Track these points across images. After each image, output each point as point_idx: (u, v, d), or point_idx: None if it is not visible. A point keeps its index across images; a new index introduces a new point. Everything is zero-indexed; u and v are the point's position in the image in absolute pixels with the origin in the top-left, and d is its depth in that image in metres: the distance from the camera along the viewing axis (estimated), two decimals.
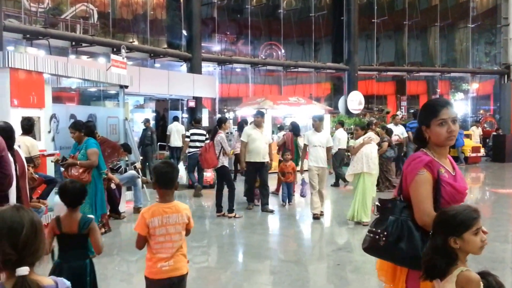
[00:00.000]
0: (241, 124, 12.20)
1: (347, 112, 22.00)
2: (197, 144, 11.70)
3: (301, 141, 10.23)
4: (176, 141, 14.41)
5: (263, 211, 9.50)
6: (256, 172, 9.67)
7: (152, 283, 3.50)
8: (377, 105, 27.40)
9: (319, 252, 7.15)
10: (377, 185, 11.77)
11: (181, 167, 11.92)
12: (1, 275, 1.89)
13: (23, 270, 1.79)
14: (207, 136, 11.67)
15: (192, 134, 12.03)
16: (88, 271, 3.68)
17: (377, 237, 2.70)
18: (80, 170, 6.79)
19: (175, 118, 13.15)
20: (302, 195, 10.10)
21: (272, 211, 9.51)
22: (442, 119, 2.69)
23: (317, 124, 9.19)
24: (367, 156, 8.39)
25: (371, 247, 2.76)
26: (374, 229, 2.75)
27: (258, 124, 9.73)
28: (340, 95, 25.12)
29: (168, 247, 3.45)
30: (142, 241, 3.51)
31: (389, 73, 28.36)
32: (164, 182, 3.51)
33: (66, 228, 3.71)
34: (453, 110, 2.74)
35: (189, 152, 11.89)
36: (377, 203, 2.86)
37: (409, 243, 2.60)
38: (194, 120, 13.18)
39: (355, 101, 22.25)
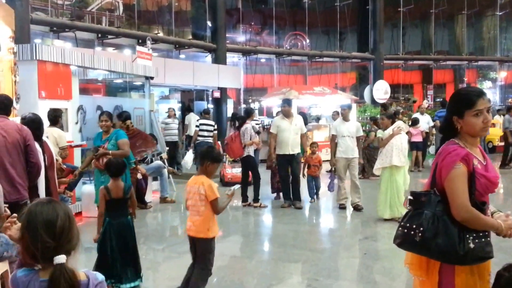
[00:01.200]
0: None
1: (373, 101, 21.74)
2: (205, 134, 12.12)
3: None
4: (192, 131, 14.55)
5: (293, 207, 8.92)
6: (288, 165, 8.92)
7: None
8: (403, 94, 27.04)
9: (345, 241, 7.09)
10: (362, 173, 11.92)
11: (190, 154, 12.01)
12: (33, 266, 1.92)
13: (61, 258, 1.84)
14: (215, 127, 12.37)
15: (201, 124, 12.26)
16: (132, 225, 4.85)
17: (412, 232, 2.64)
18: None
19: (206, 111, 13.21)
20: (330, 189, 9.50)
21: (300, 208, 8.89)
22: (477, 110, 2.62)
23: (346, 113, 8.87)
24: (398, 148, 7.73)
25: (405, 242, 2.70)
26: (408, 224, 2.68)
27: (286, 114, 9.04)
28: (365, 85, 24.83)
29: (193, 210, 4.32)
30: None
31: (415, 62, 27.94)
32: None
33: (114, 194, 4.79)
34: (488, 99, 2.68)
35: (197, 141, 12.08)
36: (409, 196, 2.77)
37: (446, 238, 2.55)
38: (203, 111, 13.35)
39: (380, 90, 21.96)
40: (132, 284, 4.69)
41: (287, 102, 9.28)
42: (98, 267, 4.63)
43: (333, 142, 8.84)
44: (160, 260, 6.04)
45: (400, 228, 2.73)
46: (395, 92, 26.46)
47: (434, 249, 2.57)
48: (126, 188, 4.87)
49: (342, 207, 8.71)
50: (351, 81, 28.67)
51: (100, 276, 1.95)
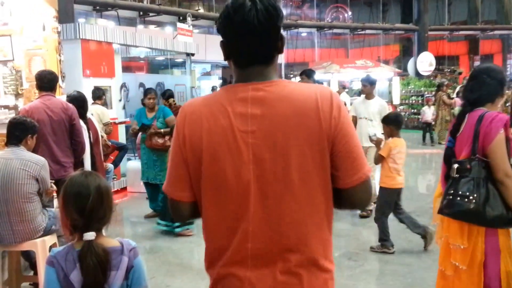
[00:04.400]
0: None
1: (417, 74, 21.25)
2: None
3: None
4: None
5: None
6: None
7: None
8: (449, 66, 26.23)
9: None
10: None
11: None
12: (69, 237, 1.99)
13: (90, 235, 1.89)
14: None
15: None
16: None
17: (465, 200, 2.68)
18: (166, 138, 6.66)
19: None
20: None
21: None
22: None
23: (367, 90, 6.89)
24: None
25: (458, 211, 2.72)
26: (459, 192, 2.71)
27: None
28: (409, 57, 24.29)
29: None
30: None
31: (461, 32, 27.05)
32: None
33: None
34: None
35: None
36: (455, 165, 2.78)
37: (495, 202, 2.65)
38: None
39: (425, 62, 21.46)
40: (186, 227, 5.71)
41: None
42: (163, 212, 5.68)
43: (355, 125, 6.55)
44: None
45: (449, 197, 2.73)
46: (440, 64, 25.70)
47: (487, 215, 2.65)
48: None
49: (363, 216, 6.53)
50: (394, 54, 28.02)
51: (133, 243, 2.00)
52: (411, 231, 5.28)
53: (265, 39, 1.55)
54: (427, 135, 13.78)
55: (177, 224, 5.71)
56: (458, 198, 2.69)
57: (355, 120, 6.65)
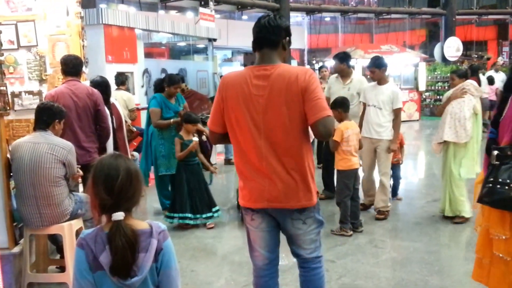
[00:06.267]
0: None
1: (444, 60, 20.87)
2: None
3: None
4: None
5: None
6: None
7: None
8: (477, 51, 25.69)
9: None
10: None
11: None
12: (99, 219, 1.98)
13: (118, 215, 1.88)
14: None
15: None
16: (201, 167, 5.83)
17: (506, 187, 2.58)
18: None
19: None
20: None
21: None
22: None
23: (377, 75, 5.87)
24: (454, 117, 5.49)
25: (499, 199, 2.63)
26: (500, 180, 2.62)
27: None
28: (436, 42, 23.88)
29: None
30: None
31: (490, 16, 26.41)
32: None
33: (186, 137, 5.62)
34: None
35: None
36: (495, 151, 2.68)
37: None
38: None
39: (452, 47, 21.06)
40: (209, 215, 5.63)
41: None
42: (173, 205, 5.64)
43: (363, 114, 5.99)
44: (225, 220, 6.11)
45: (489, 185, 2.63)
46: (468, 49, 25.21)
47: None
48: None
49: (379, 218, 5.85)
50: (421, 39, 27.56)
51: (163, 225, 1.99)
52: (341, 218, 5.37)
53: (271, 32, 2.76)
54: None
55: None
56: (498, 186, 2.59)
57: (364, 108, 5.96)
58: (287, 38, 2.80)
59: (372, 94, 5.85)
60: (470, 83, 5.61)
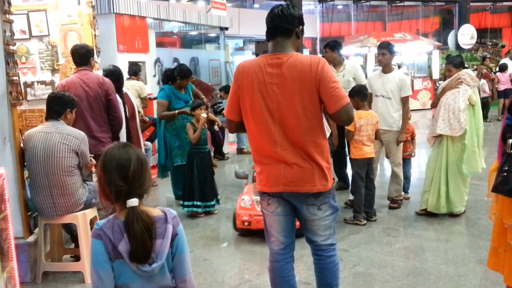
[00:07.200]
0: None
1: (458, 47, 20.62)
2: None
3: None
4: None
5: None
6: None
7: None
8: (491, 39, 25.36)
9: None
10: None
11: None
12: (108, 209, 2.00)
13: (134, 201, 1.89)
14: None
15: None
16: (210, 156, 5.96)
17: None
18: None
19: None
20: None
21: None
22: None
23: (387, 59, 5.62)
24: (448, 109, 5.16)
25: None
26: None
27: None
28: (450, 30, 23.59)
29: None
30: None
31: (504, 3, 26.08)
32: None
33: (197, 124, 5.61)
34: None
35: None
36: (510, 140, 2.64)
37: None
38: None
39: (466, 35, 20.80)
40: (212, 203, 5.73)
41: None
42: (187, 192, 5.68)
43: (369, 105, 5.59)
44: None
45: (504, 174, 2.60)
46: (482, 37, 24.91)
47: None
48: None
49: (392, 207, 5.76)
50: (434, 26, 27.25)
51: (174, 212, 2.01)
52: (355, 207, 5.34)
53: (284, 21, 2.74)
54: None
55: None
56: None
57: (371, 97, 5.62)
58: (300, 27, 2.82)
59: (379, 83, 5.62)
60: (466, 72, 5.29)
